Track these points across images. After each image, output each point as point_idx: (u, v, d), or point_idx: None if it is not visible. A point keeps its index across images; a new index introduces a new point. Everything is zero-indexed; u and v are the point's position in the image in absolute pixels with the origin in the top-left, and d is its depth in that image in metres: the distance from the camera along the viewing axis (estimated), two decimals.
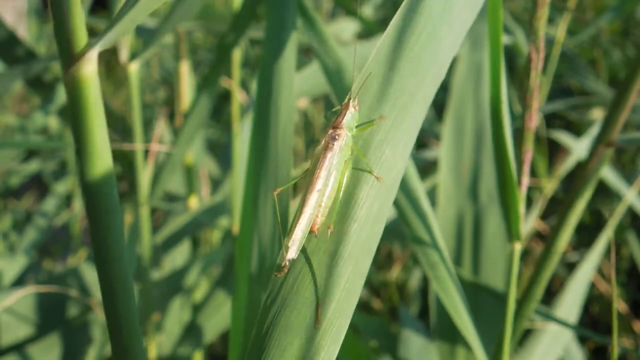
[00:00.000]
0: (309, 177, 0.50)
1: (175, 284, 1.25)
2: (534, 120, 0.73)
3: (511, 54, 1.56)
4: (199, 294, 1.33)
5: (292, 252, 0.47)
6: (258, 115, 0.77)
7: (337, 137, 0.49)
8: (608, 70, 1.69)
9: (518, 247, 0.75)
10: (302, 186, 0.51)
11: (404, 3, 0.51)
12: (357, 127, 0.50)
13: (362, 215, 0.48)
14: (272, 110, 0.76)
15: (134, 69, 1.13)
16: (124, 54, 1.15)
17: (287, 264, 0.48)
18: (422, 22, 0.51)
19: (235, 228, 1.28)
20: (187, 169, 1.46)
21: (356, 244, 0.48)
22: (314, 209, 0.49)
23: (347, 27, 1.47)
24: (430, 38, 0.51)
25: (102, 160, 0.35)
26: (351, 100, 0.50)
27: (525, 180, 0.74)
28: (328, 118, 0.54)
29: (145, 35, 1.28)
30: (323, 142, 0.50)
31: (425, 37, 0.51)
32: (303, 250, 0.48)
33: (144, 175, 1.17)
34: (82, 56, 0.34)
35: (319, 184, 0.49)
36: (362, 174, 0.49)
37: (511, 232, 0.75)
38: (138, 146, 1.15)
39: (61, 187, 1.95)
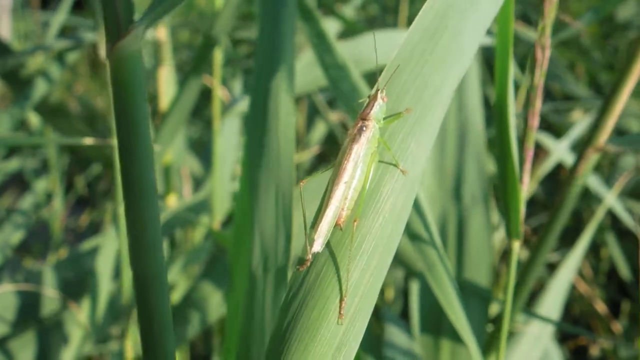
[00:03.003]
0: (335, 169, 0.48)
1: None
2: (537, 119, 0.73)
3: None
4: (177, 294, 1.31)
5: (318, 245, 0.46)
6: (254, 108, 0.76)
7: (364, 128, 0.48)
8: (588, 73, 1.72)
9: (517, 245, 0.75)
10: (327, 178, 0.49)
11: None
12: (384, 119, 0.49)
13: (387, 209, 0.47)
14: (271, 104, 0.74)
15: None
16: (103, 50, 1.11)
17: (311, 257, 0.47)
18: (449, 15, 0.50)
19: (216, 225, 1.25)
20: (165, 168, 1.43)
21: (381, 238, 0.47)
22: (340, 202, 0.47)
23: (330, 27, 1.46)
24: (457, 32, 0.50)
25: (143, 140, 0.34)
26: (379, 92, 0.49)
27: (527, 178, 0.74)
28: (355, 109, 0.53)
29: None
30: (350, 133, 0.49)
31: (451, 30, 0.50)
32: (327, 244, 0.47)
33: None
34: (129, 32, 0.32)
35: (345, 176, 0.47)
36: (388, 167, 0.48)
37: (511, 231, 0.75)
38: (115, 142, 1.11)
39: (42, 185, 1.89)
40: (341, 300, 0.46)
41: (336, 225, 0.47)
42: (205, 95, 1.78)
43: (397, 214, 0.48)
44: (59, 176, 1.83)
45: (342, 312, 0.45)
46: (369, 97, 0.49)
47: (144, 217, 0.34)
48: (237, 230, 0.72)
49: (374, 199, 0.48)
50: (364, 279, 0.47)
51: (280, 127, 0.71)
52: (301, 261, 0.47)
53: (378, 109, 0.48)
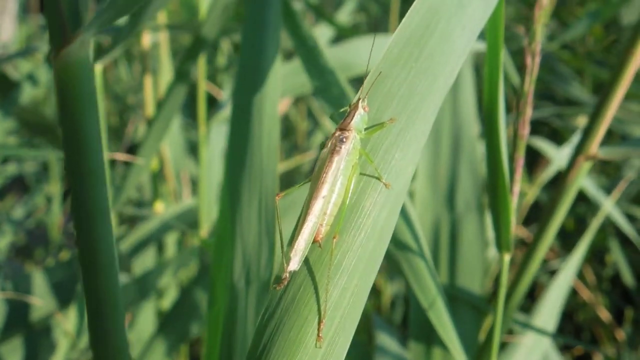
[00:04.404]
0: (313, 182, 0.45)
1: (144, 288, 1.19)
2: (527, 127, 0.69)
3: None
4: (167, 302, 1.27)
5: (294, 264, 0.43)
6: (236, 116, 0.72)
7: (345, 139, 0.44)
8: (592, 78, 1.68)
9: (507, 258, 0.72)
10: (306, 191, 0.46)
11: (416, 1, 0.47)
12: (365, 129, 0.45)
13: (369, 224, 0.44)
14: (255, 110, 0.70)
15: (98, 71, 1.06)
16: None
17: (288, 275, 0.43)
18: (435, 20, 0.47)
19: (203, 233, 1.22)
20: (152, 175, 1.39)
21: (362, 255, 0.43)
22: (319, 217, 0.44)
23: (324, 33, 1.42)
24: (444, 37, 0.47)
25: (93, 157, 0.30)
26: (360, 101, 0.45)
27: (517, 188, 0.70)
28: (335, 119, 0.49)
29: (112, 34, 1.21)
30: (329, 144, 0.45)
31: (438, 35, 0.47)
32: (305, 262, 0.43)
33: (107, 178, 1.09)
34: (76, 38, 0.28)
35: (324, 190, 0.44)
36: (370, 180, 0.45)
37: (501, 243, 0.71)
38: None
39: (42, 189, 1.86)
40: (320, 321, 0.42)
41: (314, 241, 0.44)
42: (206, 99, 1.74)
43: (380, 230, 0.44)
44: (58, 180, 1.79)
45: (320, 334, 0.42)
46: (349, 106, 0.46)
47: (95, 240, 0.30)
48: (218, 241, 0.68)
49: (355, 213, 0.44)
50: (344, 299, 0.43)
51: (264, 134, 0.67)
52: (278, 279, 0.44)
53: (359, 119, 0.45)
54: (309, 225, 0.43)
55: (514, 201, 0.69)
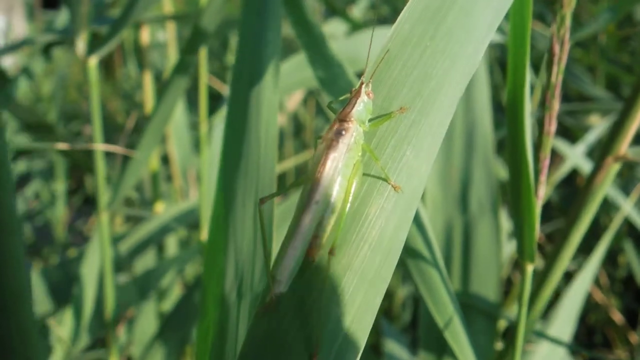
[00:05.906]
0: (305, 185, 0.36)
1: (145, 288, 1.11)
2: (554, 123, 0.60)
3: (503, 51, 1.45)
4: (169, 302, 1.19)
5: (281, 285, 0.34)
6: (233, 109, 0.63)
7: (344, 132, 0.35)
8: (606, 76, 1.58)
9: (530, 269, 0.62)
10: (298, 196, 0.37)
11: None
12: (370, 120, 0.36)
13: (374, 236, 0.35)
14: (252, 106, 0.62)
15: (92, 64, 0.98)
16: (80, 48, 0.99)
17: (274, 298, 0.34)
18: None
19: (204, 236, 1.14)
20: (152, 175, 1.31)
21: (366, 272, 0.35)
22: (311, 227, 0.35)
23: (339, 29, 1.34)
24: (464, 11, 0.38)
25: None
26: (363, 86, 0.36)
27: (542, 191, 0.61)
28: (333, 109, 0.40)
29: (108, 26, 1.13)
30: (326, 138, 0.36)
31: (457, 9, 0.37)
32: (294, 282, 0.35)
33: (103, 177, 1.00)
34: None
35: (317, 194, 0.35)
36: (376, 181, 0.35)
37: (524, 252, 0.62)
38: (98, 146, 0.98)
39: (49, 187, 1.79)
40: (312, 355, 0.33)
41: (307, 256, 0.35)
42: (214, 97, 1.66)
43: (388, 242, 0.35)
44: (63, 178, 1.71)
45: None
46: (350, 92, 0.36)
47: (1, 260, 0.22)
48: (210, 247, 0.59)
49: (357, 222, 0.35)
50: (342, 328, 0.34)
51: (261, 128, 0.59)
52: (263, 302, 0.35)
53: (362, 108, 0.36)
54: (298, 238, 0.34)
55: (539, 205, 0.60)
